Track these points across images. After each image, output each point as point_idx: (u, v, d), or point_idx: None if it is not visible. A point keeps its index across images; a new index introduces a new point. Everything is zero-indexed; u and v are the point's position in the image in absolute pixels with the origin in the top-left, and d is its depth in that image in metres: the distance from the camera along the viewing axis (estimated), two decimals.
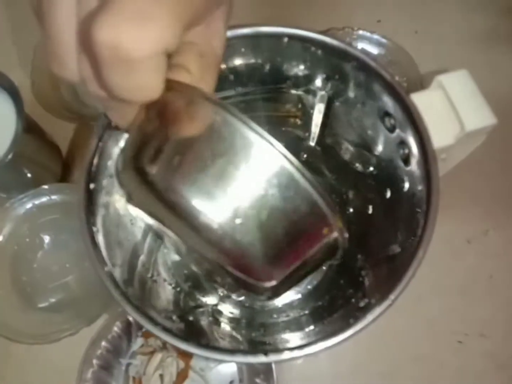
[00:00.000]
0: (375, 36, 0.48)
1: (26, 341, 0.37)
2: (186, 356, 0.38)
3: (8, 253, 0.41)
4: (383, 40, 0.48)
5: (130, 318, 0.38)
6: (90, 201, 0.26)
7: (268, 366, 0.36)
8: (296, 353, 0.22)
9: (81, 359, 0.37)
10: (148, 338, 0.39)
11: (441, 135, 0.26)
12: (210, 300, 0.35)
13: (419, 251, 0.23)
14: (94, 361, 0.37)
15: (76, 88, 0.46)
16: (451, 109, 0.26)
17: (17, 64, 0.44)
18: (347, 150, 0.35)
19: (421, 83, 0.45)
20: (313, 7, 0.52)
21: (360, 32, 0.48)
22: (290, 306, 0.36)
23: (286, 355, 0.22)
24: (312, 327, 0.31)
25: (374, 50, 0.48)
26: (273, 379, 0.36)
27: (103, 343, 0.38)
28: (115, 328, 0.38)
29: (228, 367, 0.39)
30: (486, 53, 0.49)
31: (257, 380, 0.37)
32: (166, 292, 0.31)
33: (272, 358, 0.22)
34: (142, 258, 0.32)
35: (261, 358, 0.22)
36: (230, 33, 0.27)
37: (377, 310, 0.22)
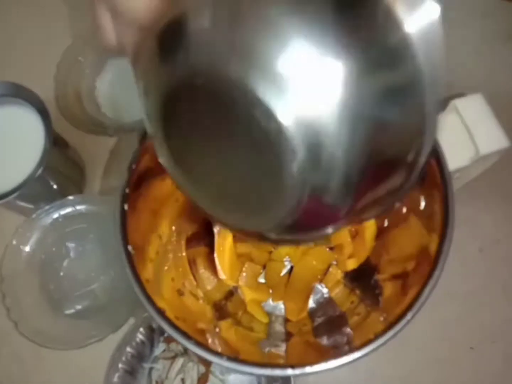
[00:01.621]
0: None
1: (55, 346, 0.39)
2: (206, 361, 0.40)
3: (36, 261, 0.43)
4: None
5: (154, 325, 0.40)
6: (125, 220, 0.28)
7: None
8: (321, 366, 0.23)
9: (108, 363, 0.39)
10: (170, 344, 0.41)
11: (456, 158, 0.27)
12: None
13: (435, 271, 0.24)
14: (120, 366, 0.39)
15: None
16: (466, 133, 0.27)
17: (41, 79, 0.46)
18: None
19: None
20: None
21: None
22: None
23: (312, 368, 0.23)
24: (326, 337, 0.32)
25: None
26: None
27: (128, 349, 0.39)
28: (139, 334, 0.40)
29: None
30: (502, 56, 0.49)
31: None
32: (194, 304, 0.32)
33: (298, 371, 0.23)
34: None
35: (288, 372, 0.23)
36: None
37: (396, 328, 0.23)
